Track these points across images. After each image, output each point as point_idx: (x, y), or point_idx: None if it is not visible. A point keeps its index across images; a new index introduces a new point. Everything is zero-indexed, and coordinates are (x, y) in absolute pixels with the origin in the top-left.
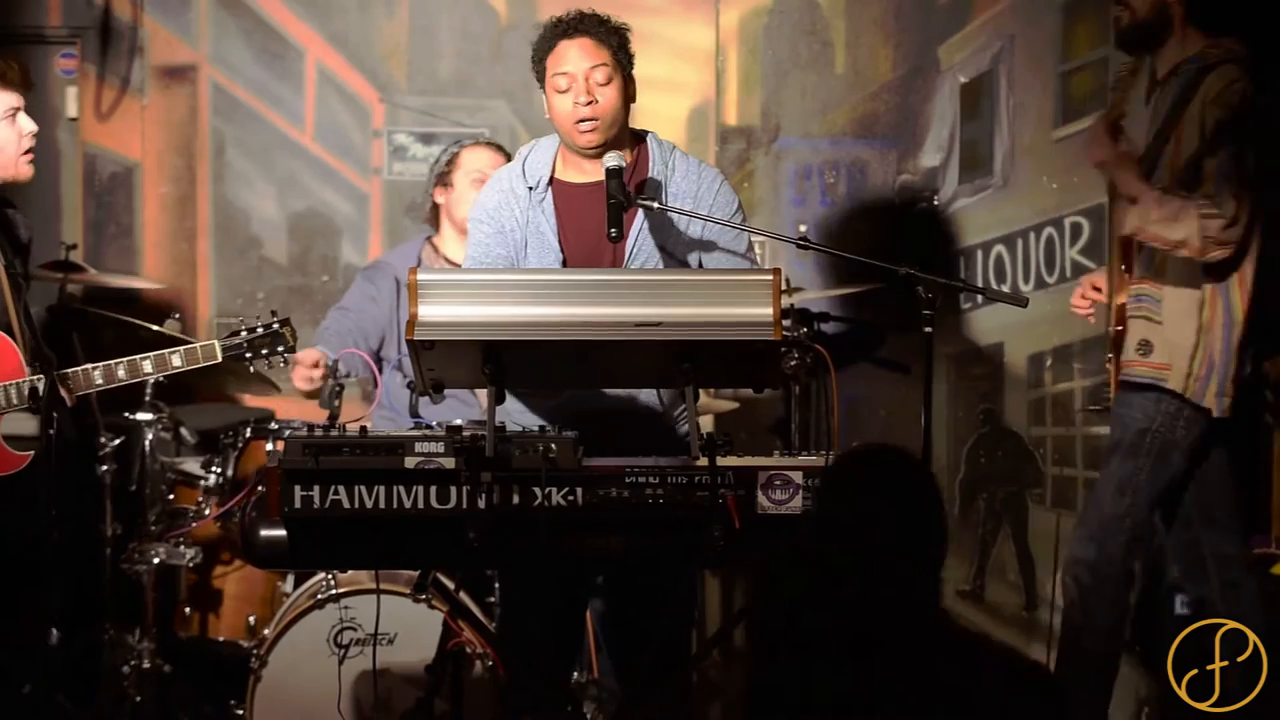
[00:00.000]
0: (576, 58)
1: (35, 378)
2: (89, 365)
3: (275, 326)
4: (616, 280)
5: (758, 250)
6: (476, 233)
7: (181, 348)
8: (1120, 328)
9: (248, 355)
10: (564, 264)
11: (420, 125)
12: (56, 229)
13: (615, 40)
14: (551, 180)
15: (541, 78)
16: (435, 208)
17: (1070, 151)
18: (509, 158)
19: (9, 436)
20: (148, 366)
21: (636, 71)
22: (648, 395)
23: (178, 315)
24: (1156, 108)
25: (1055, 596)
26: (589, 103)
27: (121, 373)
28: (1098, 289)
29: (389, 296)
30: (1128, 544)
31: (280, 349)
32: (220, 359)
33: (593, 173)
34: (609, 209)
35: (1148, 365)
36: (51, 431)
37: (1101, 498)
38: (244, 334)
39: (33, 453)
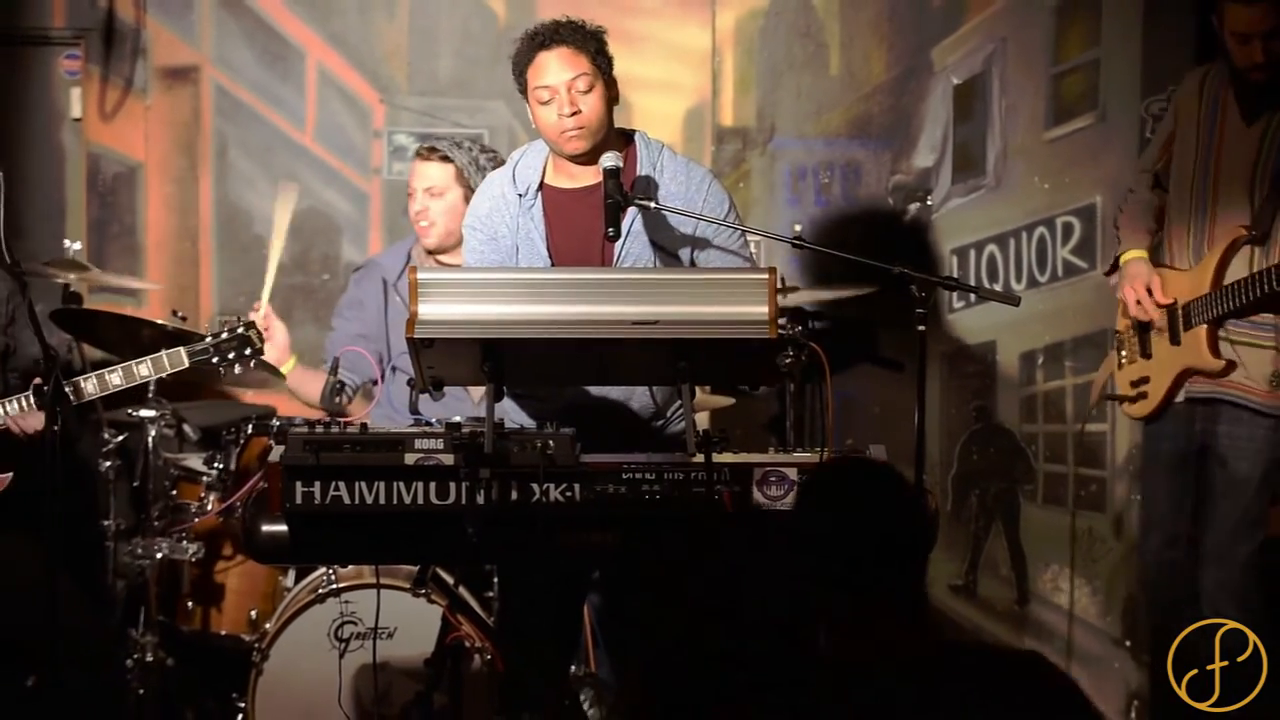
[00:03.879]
0: (556, 69)
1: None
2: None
3: (240, 330)
4: (614, 279)
5: (752, 248)
6: (471, 239)
7: (149, 357)
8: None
9: (214, 360)
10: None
11: (420, 126)
12: (60, 228)
13: (593, 45)
14: (541, 186)
15: (524, 90)
16: None
17: (1062, 152)
18: (451, 161)
19: None
20: (116, 379)
21: (634, 73)
22: (641, 394)
23: (182, 314)
24: (1276, 133)
25: (1046, 592)
26: (574, 113)
27: (90, 387)
28: (1150, 291)
29: (375, 298)
30: (1259, 569)
31: (248, 351)
32: (188, 365)
33: (581, 178)
34: (606, 209)
35: (1275, 397)
36: (56, 427)
37: (1236, 531)
38: (209, 340)
39: (10, 474)
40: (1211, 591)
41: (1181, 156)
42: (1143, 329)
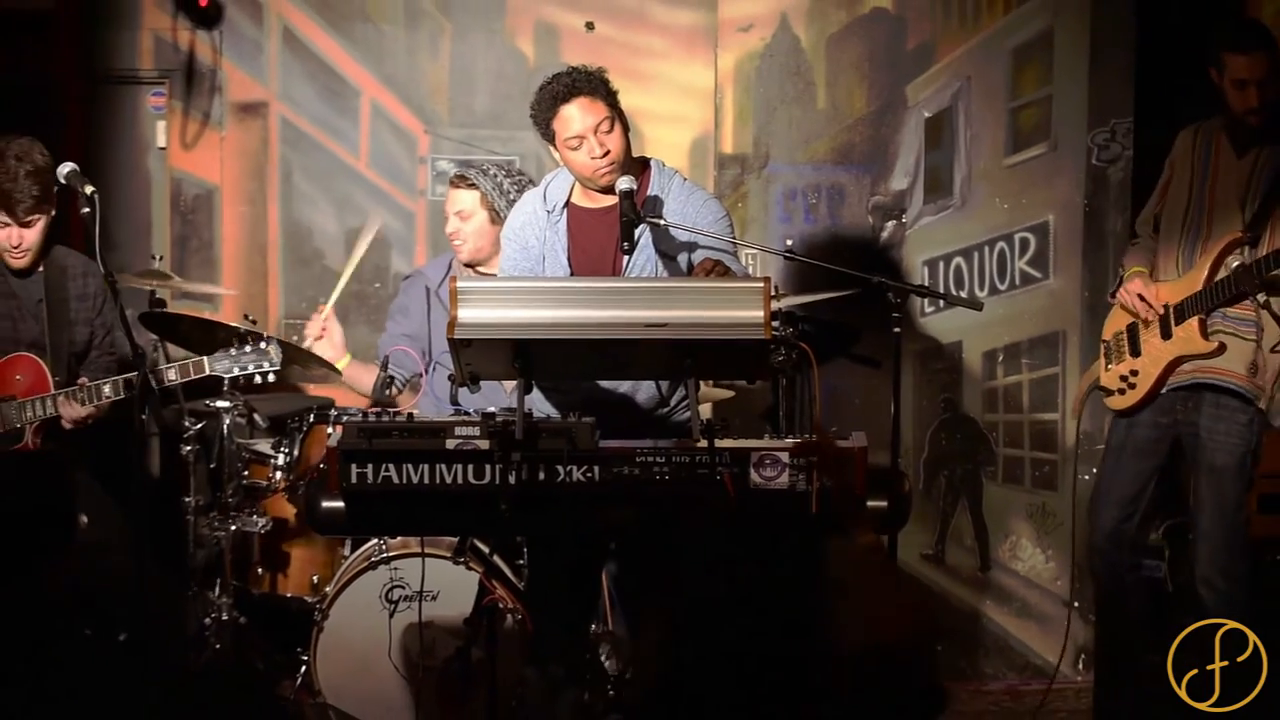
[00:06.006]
0: (580, 119)
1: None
2: (100, 380)
3: (263, 345)
4: (629, 287)
5: (745, 258)
6: (507, 247)
7: (177, 363)
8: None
9: (234, 370)
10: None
11: (459, 153)
12: (147, 242)
13: (604, 89)
14: (568, 204)
15: (548, 137)
16: None
17: (1019, 177)
18: (477, 188)
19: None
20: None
21: (646, 107)
22: (649, 387)
23: (252, 318)
24: (1264, 161)
25: (1005, 560)
26: (604, 154)
27: (108, 390)
28: (1143, 298)
29: (419, 303)
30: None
31: (265, 365)
32: (209, 372)
33: (601, 200)
34: (621, 225)
35: (1252, 383)
36: (144, 416)
37: (1223, 512)
38: (233, 351)
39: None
40: (1204, 565)
41: (1176, 193)
42: (1133, 334)
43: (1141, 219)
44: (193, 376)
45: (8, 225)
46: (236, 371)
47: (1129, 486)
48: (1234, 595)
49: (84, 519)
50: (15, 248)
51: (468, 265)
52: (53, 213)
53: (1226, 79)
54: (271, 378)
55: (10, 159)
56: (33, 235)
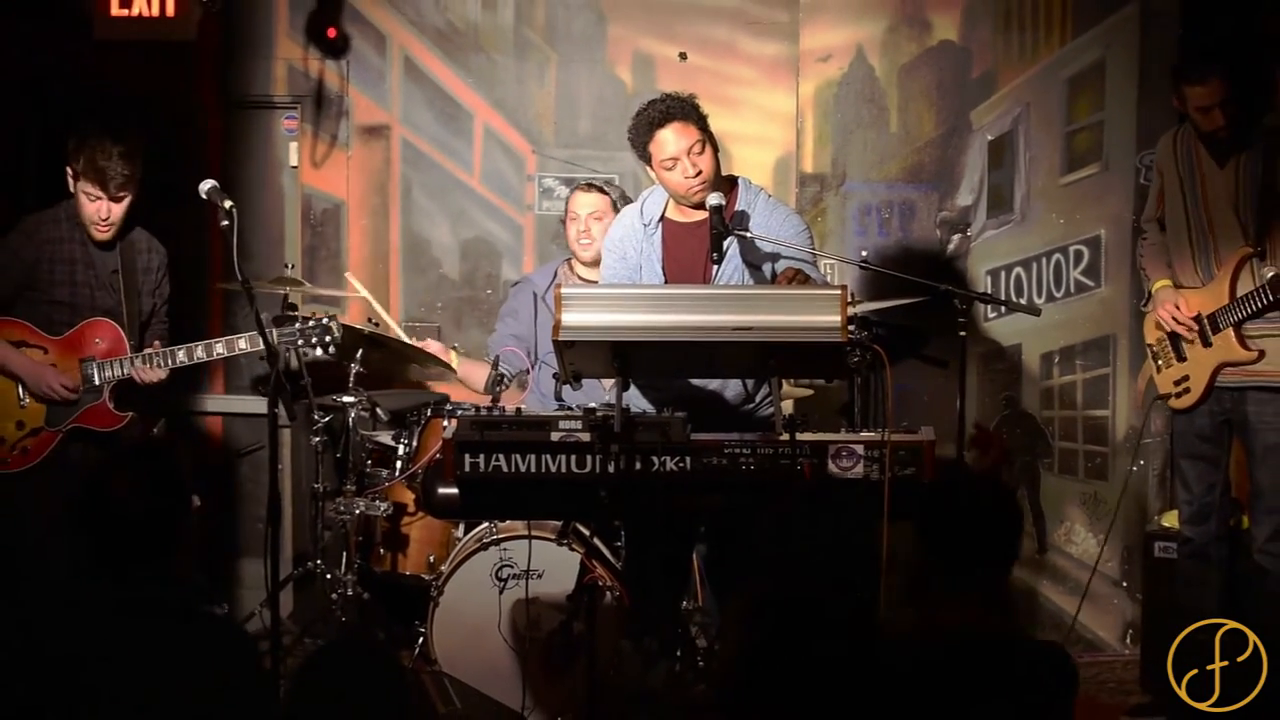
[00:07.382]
0: (675, 141)
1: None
2: (173, 347)
3: (325, 320)
4: (718, 294)
5: (824, 268)
6: (607, 257)
7: (246, 334)
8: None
9: (299, 342)
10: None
11: (564, 171)
12: (280, 252)
13: (696, 113)
14: (663, 219)
15: (645, 158)
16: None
17: (1073, 195)
18: (606, 194)
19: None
20: (220, 349)
21: (734, 129)
22: (735, 384)
23: (375, 321)
24: (1245, 170)
25: (1061, 543)
26: (697, 173)
27: (199, 353)
28: (1177, 317)
29: (527, 307)
30: None
31: (328, 338)
32: (276, 343)
33: (693, 214)
34: (711, 238)
35: None
36: (278, 411)
37: (1275, 491)
38: (298, 325)
39: (131, 414)
40: (1262, 544)
41: (1172, 203)
42: (1174, 339)
43: (1145, 217)
44: (257, 348)
45: (99, 199)
46: (300, 344)
47: (1202, 465)
48: None
49: (197, 500)
50: (103, 220)
51: (590, 264)
52: (136, 193)
53: (1191, 107)
54: (333, 350)
55: (107, 140)
56: (119, 211)
